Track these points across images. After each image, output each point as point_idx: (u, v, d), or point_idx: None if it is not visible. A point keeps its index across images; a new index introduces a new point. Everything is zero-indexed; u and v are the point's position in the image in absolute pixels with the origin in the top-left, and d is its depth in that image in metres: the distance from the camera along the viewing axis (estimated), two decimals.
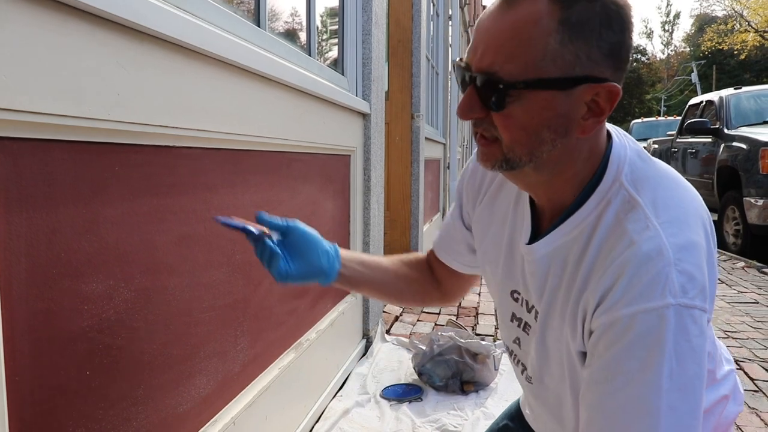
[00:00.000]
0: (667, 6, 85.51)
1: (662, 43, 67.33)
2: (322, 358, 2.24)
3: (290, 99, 1.80)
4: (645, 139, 11.60)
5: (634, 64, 53.09)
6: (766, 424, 2.31)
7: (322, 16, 2.59)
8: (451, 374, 2.49)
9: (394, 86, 4.60)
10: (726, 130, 6.73)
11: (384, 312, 3.42)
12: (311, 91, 1.95)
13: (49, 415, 0.88)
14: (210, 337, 1.35)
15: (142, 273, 1.09)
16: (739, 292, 4.52)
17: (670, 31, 63.04)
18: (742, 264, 5.65)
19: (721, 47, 37.61)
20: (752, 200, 5.77)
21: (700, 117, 7.56)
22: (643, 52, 58.68)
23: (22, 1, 0.78)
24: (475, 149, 1.04)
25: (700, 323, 0.72)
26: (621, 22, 0.75)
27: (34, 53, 0.81)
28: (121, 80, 0.98)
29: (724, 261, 5.84)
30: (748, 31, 35.15)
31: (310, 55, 2.26)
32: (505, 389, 2.51)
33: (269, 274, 1.02)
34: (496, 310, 1.69)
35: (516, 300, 0.98)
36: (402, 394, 2.46)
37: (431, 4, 5.74)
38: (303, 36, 2.34)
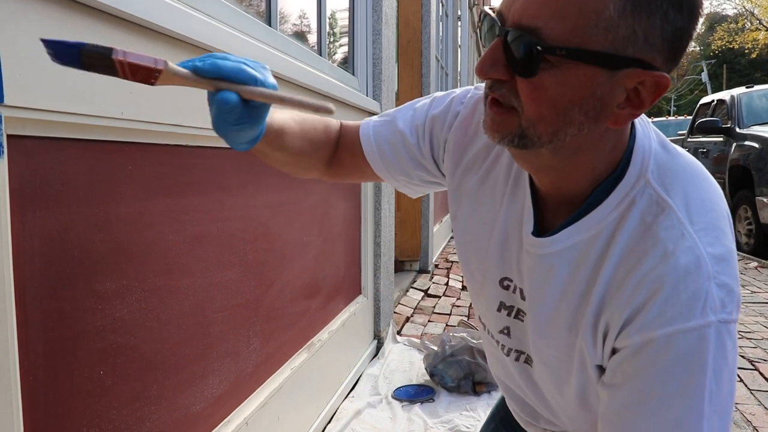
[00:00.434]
0: None
1: None
2: (334, 358, 2.24)
3: None
4: None
5: None
6: None
7: (332, 17, 2.58)
8: (463, 375, 2.48)
9: (404, 86, 4.59)
10: (738, 129, 6.67)
11: (395, 313, 3.41)
12: (323, 90, 1.94)
13: (62, 415, 0.87)
14: (222, 337, 1.35)
15: (155, 273, 1.08)
16: (752, 292, 4.48)
17: None
18: (755, 264, 5.60)
19: (731, 46, 37.36)
20: (765, 200, 5.72)
21: (711, 116, 7.51)
22: None
23: (35, 0, 0.78)
24: (472, 92, 0.94)
25: (734, 336, 0.69)
26: (692, 6, 0.63)
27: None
28: None
29: (737, 261, 5.78)
30: (759, 30, 34.90)
31: (321, 55, 2.25)
32: None
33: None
34: (472, 304, 1.48)
35: (507, 288, 0.88)
36: (414, 395, 2.45)
37: (440, 5, 5.73)
38: (313, 36, 2.34)
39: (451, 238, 6.17)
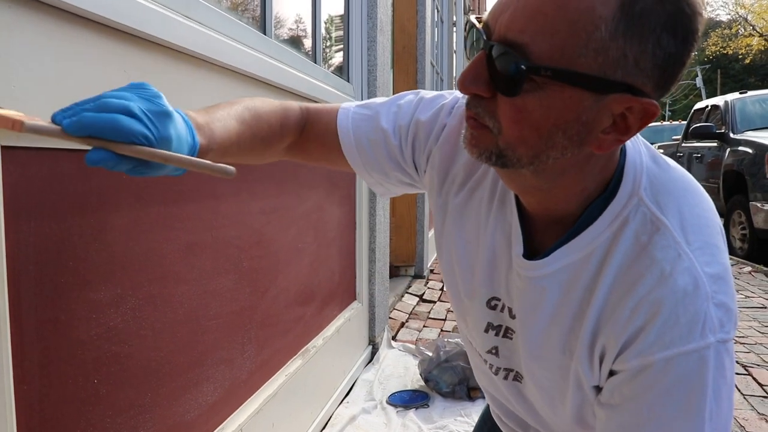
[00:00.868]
0: None
1: None
2: (329, 364, 2.24)
3: None
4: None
5: None
6: None
7: (327, 24, 2.59)
8: (457, 380, 2.48)
9: (399, 92, 4.59)
10: (732, 135, 6.70)
11: (390, 318, 3.41)
12: (317, 98, 1.95)
13: (56, 423, 0.88)
14: (217, 344, 1.35)
15: (149, 281, 1.09)
16: (746, 297, 4.50)
17: None
18: (749, 269, 5.62)
19: (725, 51, 37.53)
20: (758, 205, 5.74)
21: (706, 121, 7.55)
22: None
23: (28, 10, 0.79)
24: (461, 101, 0.88)
25: (732, 353, 0.68)
26: (687, 32, 0.60)
27: (41, 62, 0.81)
28: None
29: (731, 266, 5.79)
30: (753, 35, 35.11)
31: (315, 63, 2.26)
32: None
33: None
34: (457, 326, 1.42)
35: (494, 308, 0.85)
36: (408, 400, 2.45)
37: (435, 11, 5.75)
38: (308, 43, 2.35)
39: None
